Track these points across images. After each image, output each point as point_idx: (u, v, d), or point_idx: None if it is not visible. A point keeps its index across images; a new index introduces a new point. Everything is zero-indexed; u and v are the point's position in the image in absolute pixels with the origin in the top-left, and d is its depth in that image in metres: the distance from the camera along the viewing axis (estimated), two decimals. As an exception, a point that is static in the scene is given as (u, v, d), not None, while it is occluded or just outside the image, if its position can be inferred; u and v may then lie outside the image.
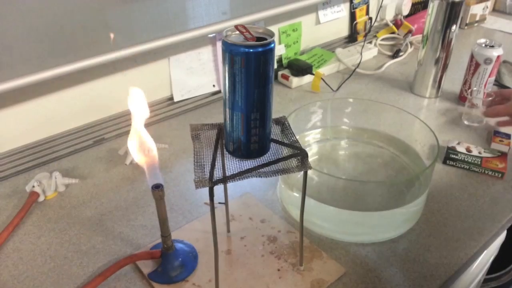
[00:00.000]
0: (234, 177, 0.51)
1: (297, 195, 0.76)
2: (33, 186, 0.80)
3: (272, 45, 0.48)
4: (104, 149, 0.96)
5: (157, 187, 0.56)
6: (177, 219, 0.77)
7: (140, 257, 0.67)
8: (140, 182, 0.86)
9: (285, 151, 0.56)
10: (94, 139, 0.97)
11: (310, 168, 0.53)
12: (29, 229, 0.76)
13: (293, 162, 0.54)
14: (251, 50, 0.47)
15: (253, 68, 0.48)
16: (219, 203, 0.77)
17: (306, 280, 0.65)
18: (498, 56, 1.04)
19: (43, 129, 0.91)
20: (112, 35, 0.88)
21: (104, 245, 0.72)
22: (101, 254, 0.71)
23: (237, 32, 0.50)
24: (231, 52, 0.48)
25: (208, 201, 0.80)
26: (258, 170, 0.52)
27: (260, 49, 0.47)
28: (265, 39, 0.49)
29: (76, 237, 0.74)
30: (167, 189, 0.84)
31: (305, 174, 0.55)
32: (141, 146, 0.56)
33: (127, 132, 1.00)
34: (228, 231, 0.74)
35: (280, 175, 0.53)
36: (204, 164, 0.53)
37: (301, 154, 0.54)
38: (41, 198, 0.81)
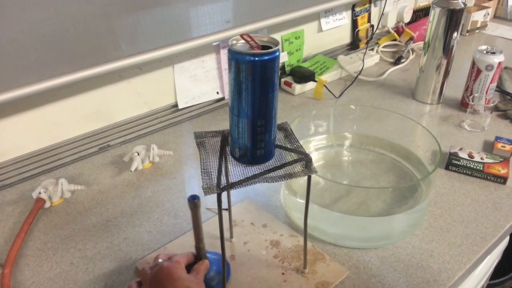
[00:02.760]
0: (241, 183, 0.52)
1: (300, 200, 0.76)
2: (40, 193, 0.81)
3: (277, 53, 0.49)
4: (109, 156, 0.97)
5: (194, 198, 0.56)
6: (182, 225, 0.78)
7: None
8: (145, 189, 0.87)
9: (289, 157, 0.57)
10: (99, 146, 0.98)
11: (316, 172, 0.53)
12: (35, 235, 0.77)
13: (298, 167, 0.55)
14: (257, 59, 0.48)
15: (259, 76, 0.49)
16: (223, 209, 0.77)
17: (311, 282, 0.65)
18: (500, 63, 1.05)
19: (49, 136, 0.92)
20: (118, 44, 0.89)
21: (110, 251, 0.73)
22: (107, 260, 0.71)
23: (243, 41, 0.51)
24: (237, 60, 0.49)
25: (210, 206, 0.81)
26: (265, 176, 0.53)
27: (265, 57, 0.48)
28: (270, 47, 0.50)
29: (82, 243, 0.75)
30: (172, 195, 0.85)
31: (309, 178, 0.56)
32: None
33: (132, 139, 1.02)
34: (231, 236, 0.75)
35: (286, 179, 0.53)
36: (211, 171, 0.54)
37: (305, 159, 0.55)
38: (47, 204, 0.82)
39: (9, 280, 0.67)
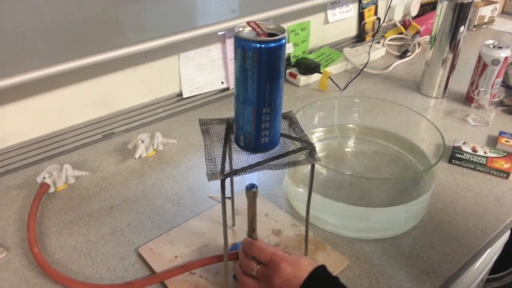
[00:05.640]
0: (245, 169, 0.52)
1: (303, 190, 0.77)
2: (44, 178, 0.82)
3: (283, 41, 0.49)
4: (113, 143, 0.98)
5: (252, 187, 0.56)
6: (184, 213, 0.78)
7: (229, 258, 0.65)
8: (148, 176, 0.87)
9: (293, 145, 0.57)
10: (103, 133, 0.99)
11: (319, 160, 0.54)
12: (39, 220, 0.77)
13: (302, 155, 0.55)
14: (263, 46, 0.48)
15: (265, 63, 0.49)
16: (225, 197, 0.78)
17: (311, 273, 0.66)
18: (506, 57, 1.04)
19: (53, 122, 0.93)
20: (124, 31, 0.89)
21: (113, 236, 0.74)
22: (110, 245, 0.72)
23: (249, 28, 0.51)
24: (243, 47, 0.49)
25: (212, 194, 0.82)
26: (269, 163, 0.53)
27: (272, 45, 0.48)
28: (276, 35, 0.50)
29: (85, 228, 0.76)
30: (175, 183, 0.86)
31: (313, 167, 0.56)
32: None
33: (136, 127, 1.03)
34: (233, 224, 0.75)
35: (290, 167, 0.53)
36: (215, 158, 0.54)
37: (309, 148, 0.55)
38: (52, 190, 0.83)
39: (43, 256, 0.68)
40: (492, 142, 0.97)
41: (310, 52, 1.33)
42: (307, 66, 1.23)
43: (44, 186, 0.81)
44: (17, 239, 0.73)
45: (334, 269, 0.66)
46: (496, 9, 1.66)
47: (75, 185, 0.85)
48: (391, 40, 1.50)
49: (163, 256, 0.69)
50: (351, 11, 1.38)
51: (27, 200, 0.81)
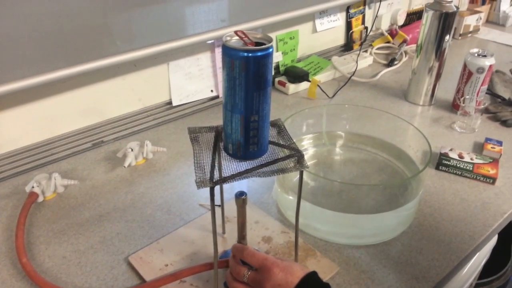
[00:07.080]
0: (234, 177, 0.52)
1: (292, 198, 0.77)
2: (33, 187, 0.81)
3: (271, 49, 0.50)
4: (103, 152, 0.98)
5: (241, 195, 0.57)
6: (175, 221, 0.78)
7: (219, 266, 0.65)
8: (138, 184, 0.87)
9: (282, 153, 0.58)
10: (93, 142, 0.98)
11: (307, 167, 0.54)
12: (27, 229, 0.77)
13: (290, 162, 0.55)
14: (250, 55, 0.49)
15: (253, 72, 0.50)
16: (215, 205, 0.78)
17: (301, 280, 0.66)
18: (491, 66, 1.06)
19: (42, 131, 0.92)
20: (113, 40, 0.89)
21: (102, 245, 0.73)
22: (99, 254, 0.72)
23: (237, 37, 0.52)
24: (231, 56, 0.49)
25: (202, 202, 0.82)
26: (257, 171, 0.53)
27: (259, 54, 0.49)
28: (264, 44, 0.51)
29: (75, 237, 0.75)
30: (165, 191, 0.85)
31: (301, 174, 0.57)
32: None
33: (126, 136, 1.03)
34: (224, 232, 0.75)
35: (279, 174, 0.54)
36: (204, 166, 0.55)
37: (298, 155, 0.56)
38: (40, 199, 0.82)
39: (31, 266, 0.68)
40: (478, 148, 0.99)
41: (299, 60, 1.34)
42: (296, 75, 1.24)
43: (33, 195, 0.81)
44: (5, 249, 0.73)
45: (324, 276, 0.67)
46: (480, 18, 1.69)
47: (64, 194, 0.85)
48: (378, 49, 1.52)
49: (153, 265, 0.69)
50: (339, 20, 1.39)
51: (16, 209, 0.80)
